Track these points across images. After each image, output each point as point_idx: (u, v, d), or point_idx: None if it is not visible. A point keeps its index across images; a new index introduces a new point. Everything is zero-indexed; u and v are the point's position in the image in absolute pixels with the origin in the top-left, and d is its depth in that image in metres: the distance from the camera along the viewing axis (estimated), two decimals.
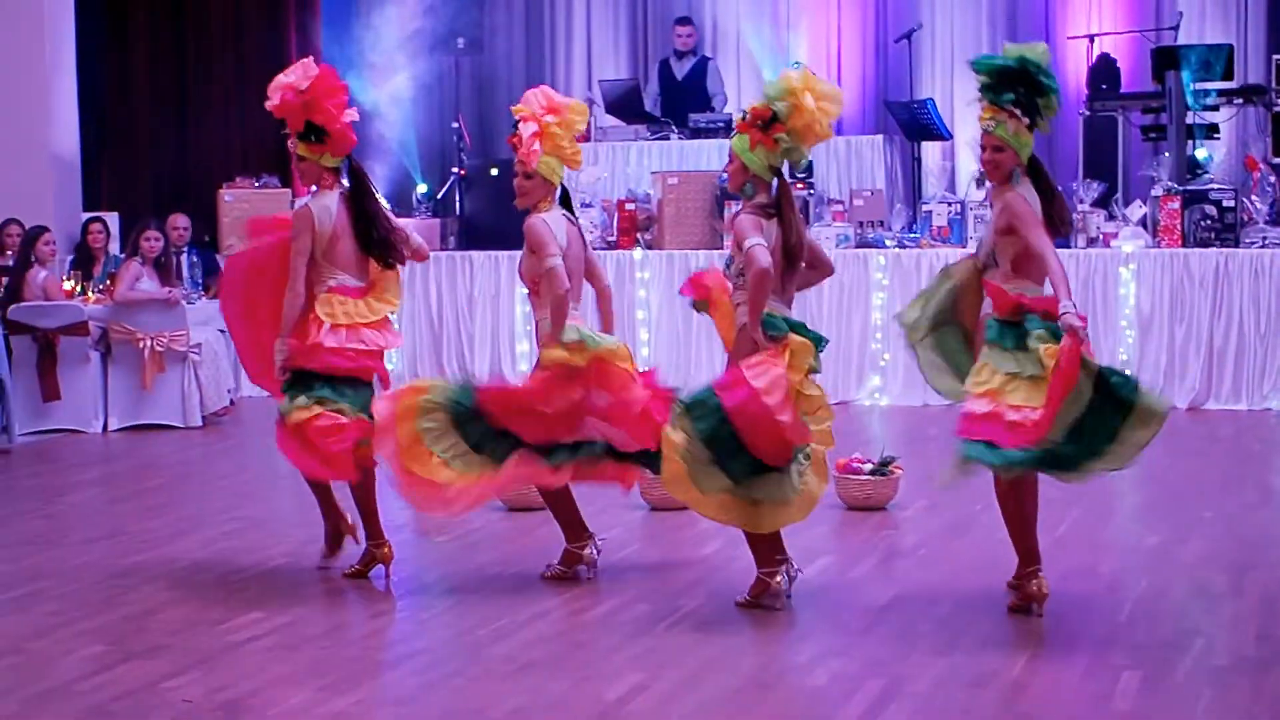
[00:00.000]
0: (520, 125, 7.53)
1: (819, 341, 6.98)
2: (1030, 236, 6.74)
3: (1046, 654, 6.36)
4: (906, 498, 9.20)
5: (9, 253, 13.13)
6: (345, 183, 7.70)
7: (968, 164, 15.33)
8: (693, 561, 7.99)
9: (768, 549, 7.09)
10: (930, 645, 6.47)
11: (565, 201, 7.65)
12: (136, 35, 16.01)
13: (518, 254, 7.72)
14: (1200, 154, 13.93)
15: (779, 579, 7.08)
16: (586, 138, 15.48)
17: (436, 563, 8.11)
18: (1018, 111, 6.81)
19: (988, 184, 7.08)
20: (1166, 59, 13.97)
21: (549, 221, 7.47)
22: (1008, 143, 6.83)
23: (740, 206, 7.14)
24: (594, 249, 12.99)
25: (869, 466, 9.22)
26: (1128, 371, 7.27)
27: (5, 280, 12.62)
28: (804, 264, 7.11)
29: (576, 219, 7.71)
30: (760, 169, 6.98)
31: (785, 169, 7.12)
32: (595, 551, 7.70)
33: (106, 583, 7.65)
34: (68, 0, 14.58)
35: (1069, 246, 12.78)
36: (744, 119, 7.06)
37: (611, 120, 15.77)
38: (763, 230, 6.93)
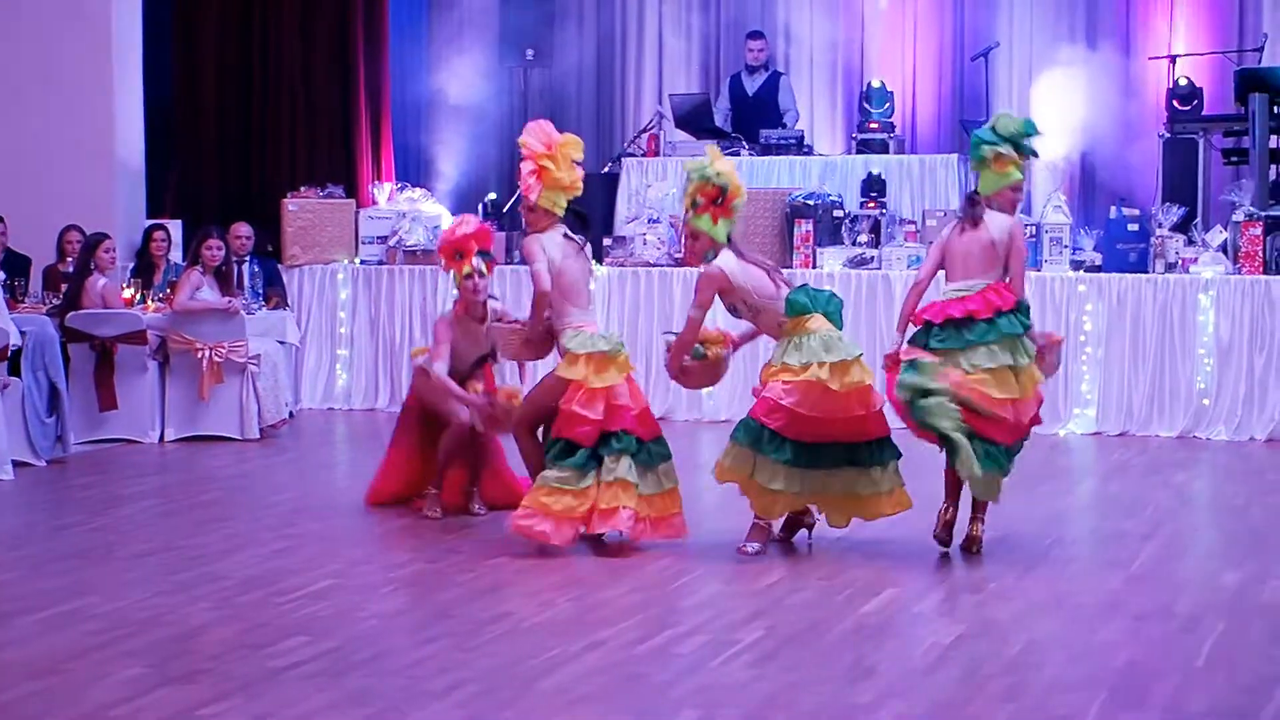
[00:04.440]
0: (521, 163, 8.67)
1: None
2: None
3: (1119, 700, 6.06)
4: None
5: (69, 259, 13.03)
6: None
7: (1044, 185, 15.05)
8: (753, 592, 7.74)
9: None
10: (997, 688, 6.20)
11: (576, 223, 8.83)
12: (203, 42, 15.86)
13: None
14: None
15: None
16: (656, 152, 15.31)
17: (491, 587, 7.90)
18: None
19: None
20: (1250, 81, 13.70)
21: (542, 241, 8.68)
22: None
23: None
24: (660, 265, 12.96)
25: None
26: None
27: (64, 287, 12.50)
28: None
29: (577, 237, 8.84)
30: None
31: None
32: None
33: (151, 600, 7.47)
34: (135, 5, 14.50)
35: (1144, 271, 12.58)
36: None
37: (681, 135, 15.54)
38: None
